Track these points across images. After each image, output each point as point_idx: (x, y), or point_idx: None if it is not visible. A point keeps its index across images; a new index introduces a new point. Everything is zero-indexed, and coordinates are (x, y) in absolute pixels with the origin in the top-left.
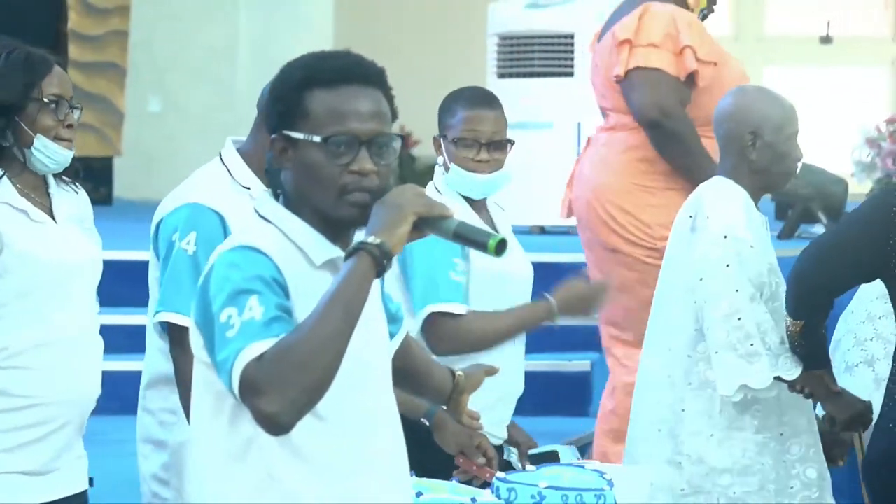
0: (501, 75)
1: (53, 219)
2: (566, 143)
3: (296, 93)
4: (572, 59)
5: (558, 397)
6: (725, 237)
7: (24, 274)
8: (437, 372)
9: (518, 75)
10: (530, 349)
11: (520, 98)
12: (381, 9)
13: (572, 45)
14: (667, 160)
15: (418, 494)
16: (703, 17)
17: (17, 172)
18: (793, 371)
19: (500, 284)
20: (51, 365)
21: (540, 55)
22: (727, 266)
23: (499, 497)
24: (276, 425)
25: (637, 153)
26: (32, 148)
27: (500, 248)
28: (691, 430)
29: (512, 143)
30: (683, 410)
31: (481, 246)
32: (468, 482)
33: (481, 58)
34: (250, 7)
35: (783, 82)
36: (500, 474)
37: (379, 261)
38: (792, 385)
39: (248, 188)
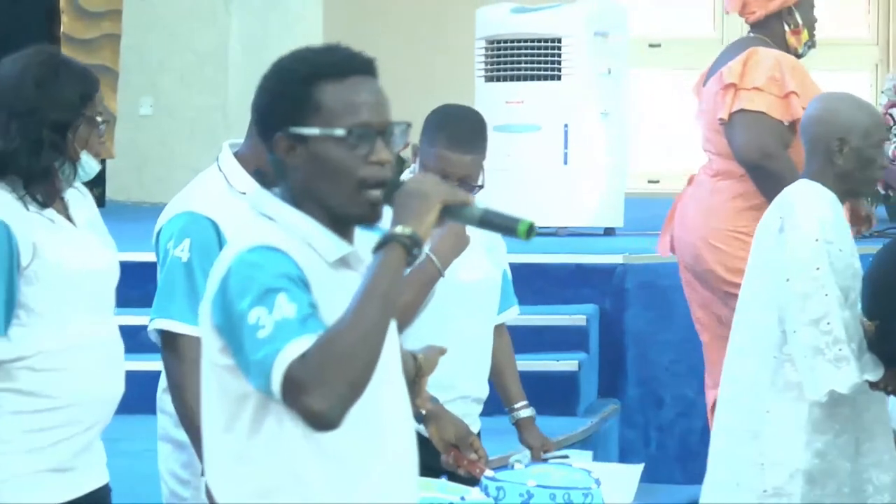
0: (489, 78)
1: (73, 224)
2: (553, 146)
3: (303, 88)
4: (559, 62)
5: (546, 397)
6: (816, 240)
7: (53, 281)
8: (405, 357)
9: (505, 79)
10: (518, 349)
11: (507, 101)
12: (370, 12)
13: (559, 48)
14: (770, 201)
15: None
16: (810, 48)
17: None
18: (877, 371)
19: (452, 291)
20: (80, 367)
21: (527, 59)
22: (817, 269)
23: (487, 495)
24: (326, 422)
25: (743, 202)
26: (68, 165)
27: (531, 231)
28: (775, 432)
29: (481, 187)
30: (768, 412)
31: (510, 231)
32: (453, 473)
33: (469, 61)
34: (242, 11)
35: None
36: (488, 472)
37: (410, 251)
38: (875, 384)
39: (245, 193)
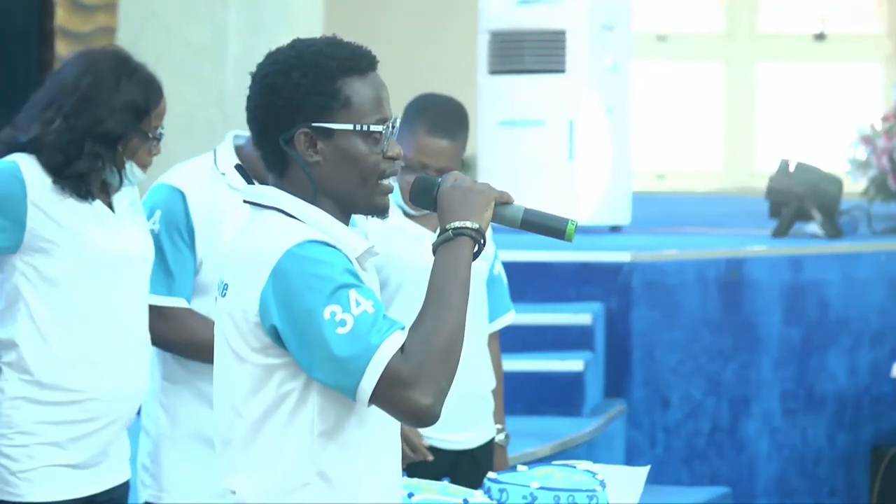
0: (493, 72)
1: (112, 210)
2: (558, 142)
3: (332, 83)
4: (564, 55)
5: (550, 398)
6: None
7: (78, 258)
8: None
9: (510, 72)
10: (523, 349)
11: (511, 95)
12: (371, 5)
13: (563, 41)
14: None
15: (410, 495)
16: None
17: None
18: None
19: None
20: (101, 360)
21: (531, 52)
22: None
23: (490, 497)
24: (431, 416)
25: None
26: (113, 172)
27: (575, 231)
28: None
29: None
30: None
31: (556, 233)
32: (455, 476)
33: (472, 54)
34: (239, 3)
35: (776, 79)
36: (491, 474)
37: (477, 243)
38: None
39: (224, 174)
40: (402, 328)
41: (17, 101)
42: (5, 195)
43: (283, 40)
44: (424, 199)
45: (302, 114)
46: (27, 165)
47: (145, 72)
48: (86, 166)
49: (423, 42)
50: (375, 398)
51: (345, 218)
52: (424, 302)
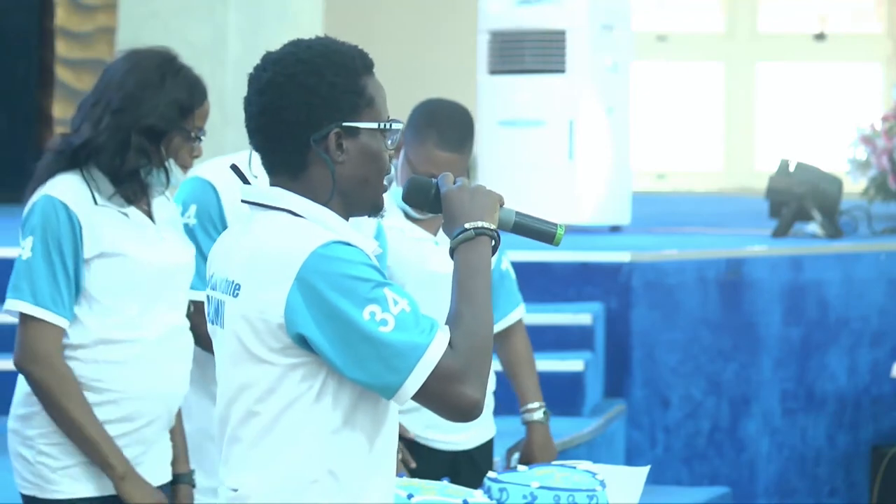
0: (493, 72)
1: (152, 220)
2: (558, 142)
3: (359, 81)
4: (564, 55)
5: (551, 398)
6: None
7: (123, 274)
8: None
9: (510, 72)
10: None
11: (511, 95)
12: (371, 5)
13: (563, 41)
14: None
15: (409, 496)
16: None
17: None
18: None
19: (424, 281)
20: (142, 361)
21: (531, 52)
22: None
23: (490, 497)
24: (478, 409)
25: None
26: (159, 171)
27: (562, 237)
28: None
29: None
30: None
31: (546, 236)
32: (454, 476)
33: (472, 54)
34: (239, 3)
35: (776, 79)
36: (491, 474)
37: (494, 240)
38: None
39: (257, 177)
40: (439, 325)
41: (18, 101)
42: (71, 242)
43: (283, 40)
44: (419, 200)
45: (333, 113)
46: (66, 190)
47: (190, 72)
48: (135, 161)
49: (423, 42)
50: (422, 395)
51: (346, 219)
52: (456, 299)
